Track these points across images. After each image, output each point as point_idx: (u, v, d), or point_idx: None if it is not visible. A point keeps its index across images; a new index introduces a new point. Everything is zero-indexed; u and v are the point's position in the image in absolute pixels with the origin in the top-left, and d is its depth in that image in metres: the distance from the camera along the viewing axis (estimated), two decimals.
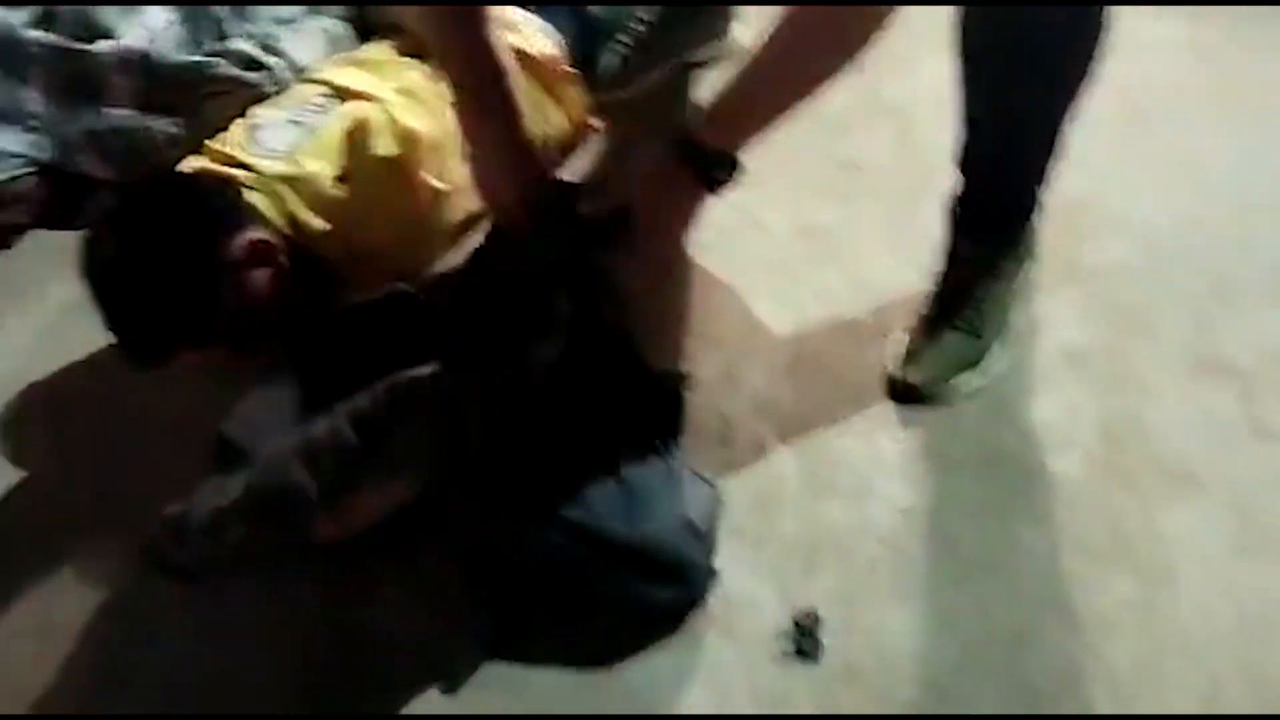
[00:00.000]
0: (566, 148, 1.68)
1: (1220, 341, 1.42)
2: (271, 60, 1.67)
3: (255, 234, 1.35)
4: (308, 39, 1.73)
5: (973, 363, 1.39)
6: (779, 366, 1.45)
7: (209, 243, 1.32)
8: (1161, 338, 1.43)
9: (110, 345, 1.35)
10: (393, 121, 1.43)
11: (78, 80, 1.65)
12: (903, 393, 1.40)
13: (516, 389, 1.21)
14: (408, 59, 1.59)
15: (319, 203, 1.42)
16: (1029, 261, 1.45)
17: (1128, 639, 1.17)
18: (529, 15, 1.63)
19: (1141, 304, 1.47)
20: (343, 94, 1.52)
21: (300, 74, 1.67)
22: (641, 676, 1.18)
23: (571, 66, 1.63)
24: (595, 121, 1.70)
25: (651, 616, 1.21)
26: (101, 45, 1.63)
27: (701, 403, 1.40)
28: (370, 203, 1.42)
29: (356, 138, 1.42)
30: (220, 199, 1.37)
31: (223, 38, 1.73)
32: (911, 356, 1.40)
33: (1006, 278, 1.41)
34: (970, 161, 1.37)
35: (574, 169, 1.68)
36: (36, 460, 1.44)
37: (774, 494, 1.33)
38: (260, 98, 1.62)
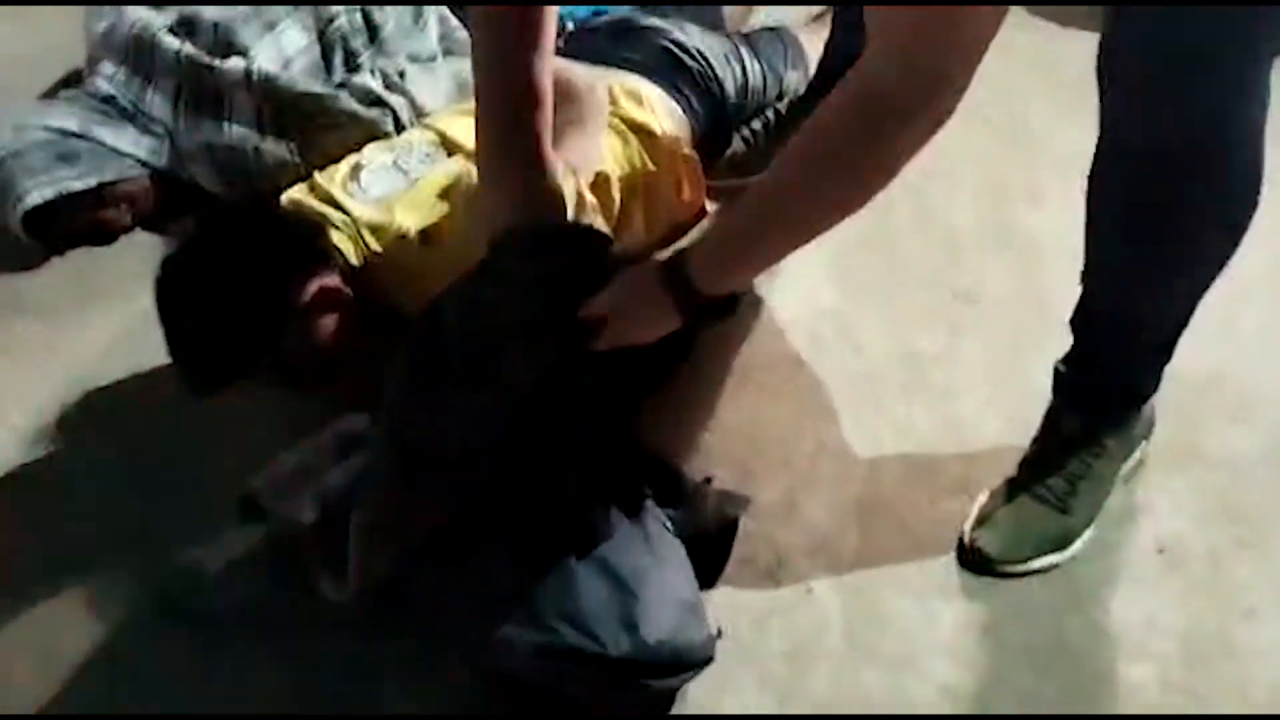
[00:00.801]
0: (680, 229, 1.62)
1: None
2: (394, 99, 1.66)
3: (328, 280, 1.34)
4: (437, 81, 1.72)
5: (1055, 543, 1.28)
6: (844, 502, 1.36)
7: (280, 284, 1.31)
8: (1273, 552, 1.29)
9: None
10: None
11: (206, 94, 1.67)
12: (973, 559, 1.29)
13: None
14: None
15: (401, 255, 1.39)
16: (1143, 444, 1.33)
17: None
18: (662, 95, 1.59)
19: (1257, 508, 1.33)
20: (450, 147, 1.49)
21: (421, 116, 1.66)
22: None
23: (696, 148, 1.59)
24: (710, 206, 1.64)
25: (654, 702, 1.16)
26: (233, 63, 1.65)
27: (755, 529, 1.32)
28: (450, 263, 1.38)
29: (450, 197, 1.40)
30: (302, 239, 1.36)
31: (354, 70, 1.73)
32: (988, 521, 1.30)
33: (1111, 458, 1.30)
34: (1086, 322, 1.27)
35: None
36: (73, 476, 1.44)
37: (812, 646, 1.24)
38: (376, 134, 1.62)
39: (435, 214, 1.40)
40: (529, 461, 1.15)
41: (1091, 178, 1.15)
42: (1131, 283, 1.20)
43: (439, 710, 1.19)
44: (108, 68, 1.74)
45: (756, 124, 1.74)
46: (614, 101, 1.53)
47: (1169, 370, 1.29)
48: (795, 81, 1.77)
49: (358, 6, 1.72)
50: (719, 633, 1.17)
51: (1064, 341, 1.30)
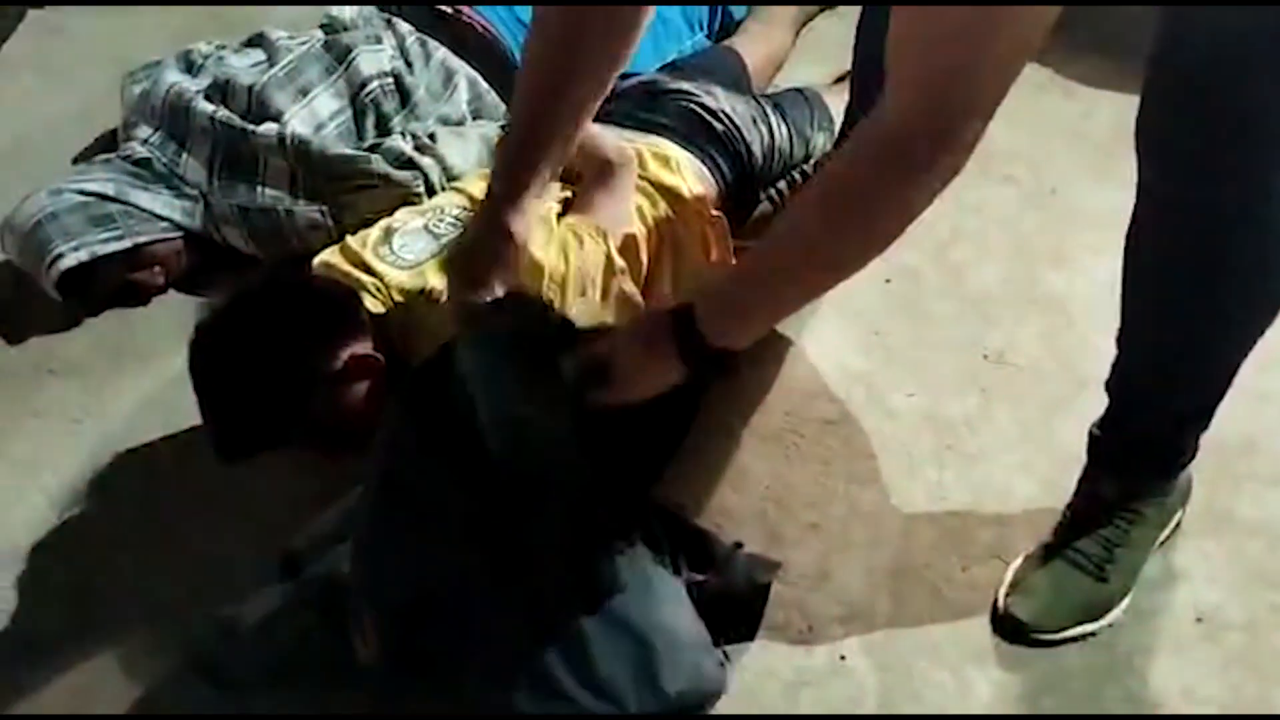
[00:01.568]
0: None
1: None
2: (425, 160, 1.68)
3: (361, 348, 1.34)
4: (467, 144, 1.73)
5: (1092, 611, 1.26)
6: (878, 569, 1.35)
7: (312, 353, 1.32)
8: None
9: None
10: None
11: (240, 157, 1.69)
12: (1007, 626, 1.27)
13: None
14: (555, 183, 1.57)
15: (433, 319, 1.39)
16: (1180, 510, 1.31)
17: None
18: (690, 158, 1.60)
19: None
20: None
21: (452, 178, 1.67)
22: None
23: (723, 210, 1.60)
24: None
25: None
26: (267, 127, 1.67)
27: (787, 595, 1.31)
28: None
29: None
30: (334, 306, 1.36)
31: (386, 133, 1.75)
32: (1022, 587, 1.28)
33: (1148, 525, 1.28)
34: (1121, 384, 1.25)
35: None
36: (105, 538, 1.44)
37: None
38: (409, 196, 1.64)
39: None
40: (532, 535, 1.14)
41: (1129, 240, 1.14)
42: (1170, 348, 1.18)
43: None
44: (143, 131, 1.76)
45: (783, 184, 1.75)
46: (643, 165, 1.54)
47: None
48: (821, 143, 1.78)
49: (390, 76, 1.74)
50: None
51: (1096, 403, 1.29)
